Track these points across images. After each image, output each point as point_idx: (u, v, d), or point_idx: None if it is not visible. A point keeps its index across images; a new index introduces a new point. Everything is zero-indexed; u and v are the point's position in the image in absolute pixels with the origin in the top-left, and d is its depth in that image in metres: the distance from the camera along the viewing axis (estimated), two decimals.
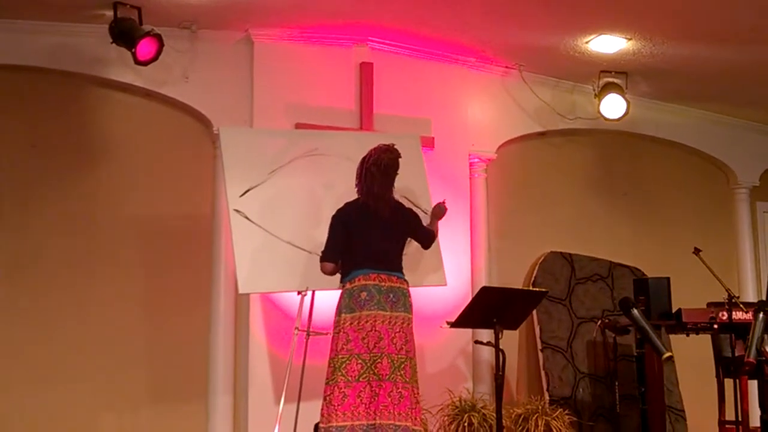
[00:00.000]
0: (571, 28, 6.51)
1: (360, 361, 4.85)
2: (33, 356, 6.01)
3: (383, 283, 4.98)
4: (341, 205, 5.24)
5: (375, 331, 4.89)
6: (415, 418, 4.95)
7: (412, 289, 6.21)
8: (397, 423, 4.85)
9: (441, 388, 6.61)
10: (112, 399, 6.18)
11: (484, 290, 5.40)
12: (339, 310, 5.01)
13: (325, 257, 5.16)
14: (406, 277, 5.18)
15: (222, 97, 6.48)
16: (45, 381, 6.01)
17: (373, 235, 5.08)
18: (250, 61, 6.53)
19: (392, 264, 5.12)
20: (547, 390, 7.06)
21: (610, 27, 6.47)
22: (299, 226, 5.69)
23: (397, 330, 4.95)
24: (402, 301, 5.03)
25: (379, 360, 4.86)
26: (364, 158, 5.22)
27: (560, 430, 6.44)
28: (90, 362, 6.13)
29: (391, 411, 4.85)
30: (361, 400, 4.81)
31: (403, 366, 4.93)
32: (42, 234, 6.13)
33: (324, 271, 5.17)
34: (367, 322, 4.89)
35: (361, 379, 4.84)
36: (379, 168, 5.14)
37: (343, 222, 5.13)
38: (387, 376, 4.86)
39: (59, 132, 6.27)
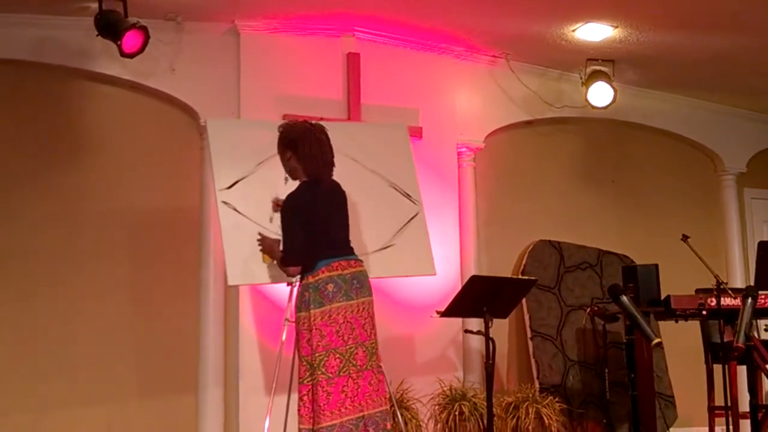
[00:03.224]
0: (558, 16, 6.51)
1: (338, 355, 4.66)
2: (21, 350, 6.00)
3: (346, 271, 4.74)
4: (285, 198, 4.88)
5: (347, 322, 4.69)
6: (387, 401, 4.90)
7: (402, 279, 6.25)
8: (382, 408, 4.76)
9: (431, 378, 6.62)
10: (101, 392, 6.16)
11: (474, 279, 5.41)
12: (305, 305, 4.73)
13: (289, 260, 4.81)
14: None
15: (209, 89, 6.46)
16: (34, 375, 6.00)
17: (328, 218, 4.82)
18: (236, 52, 6.51)
19: (348, 247, 4.88)
20: (537, 378, 7.08)
21: (596, 15, 6.48)
22: None
23: (365, 316, 4.77)
24: (364, 285, 4.81)
25: (355, 351, 4.70)
26: (296, 135, 4.89)
27: (550, 417, 6.46)
28: (79, 355, 6.12)
29: (375, 399, 4.74)
30: (346, 395, 4.65)
31: (375, 351, 4.80)
32: (28, 228, 6.10)
33: (290, 275, 4.91)
34: (338, 314, 4.68)
35: (341, 374, 4.66)
36: (325, 135, 4.91)
37: (299, 213, 4.79)
38: (364, 366, 4.72)
39: (45, 125, 6.24)
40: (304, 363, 4.74)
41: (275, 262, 5.06)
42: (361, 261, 4.91)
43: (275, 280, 5.51)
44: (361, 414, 4.68)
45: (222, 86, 6.47)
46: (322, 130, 4.93)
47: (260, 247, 5.22)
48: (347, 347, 4.70)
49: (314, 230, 4.77)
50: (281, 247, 4.88)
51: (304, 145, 4.86)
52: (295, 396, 5.52)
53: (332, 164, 4.94)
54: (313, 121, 5.02)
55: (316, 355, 4.66)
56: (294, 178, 4.96)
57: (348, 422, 4.64)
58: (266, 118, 6.33)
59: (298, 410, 4.75)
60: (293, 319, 5.48)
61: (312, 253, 4.76)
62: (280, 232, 4.99)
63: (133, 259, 6.36)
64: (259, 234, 5.24)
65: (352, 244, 4.93)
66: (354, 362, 4.70)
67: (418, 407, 6.43)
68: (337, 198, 4.95)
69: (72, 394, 6.09)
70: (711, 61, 7.33)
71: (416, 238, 6.01)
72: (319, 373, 4.64)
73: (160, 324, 6.35)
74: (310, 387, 4.71)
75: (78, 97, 6.36)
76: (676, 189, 8.57)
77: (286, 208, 4.84)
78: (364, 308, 4.79)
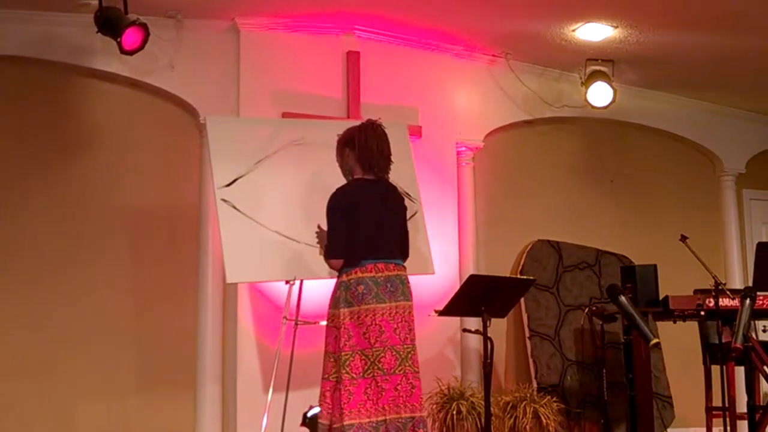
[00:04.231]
0: (558, 15, 6.51)
1: (363, 357, 4.66)
2: (20, 346, 5.99)
3: (380, 274, 4.74)
4: (334, 191, 4.92)
5: (375, 324, 4.67)
6: (423, 407, 4.85)
7: None
8: (412, 415, 4.70)
9: (429, 377, 6.61)
10: (100, 388, 6.17)
11: (472, 278, 5.40)
12: (336, 303, 4.78)
13: (332, 253, 4.85)
14: (405, 263, 4.95)
15: (208, 87, 6.46)
16: (33, 370, 6.00)
17: (371, 220, 4.81)
18: (236, 50, 6.50)
19: (391, 251, 4.86)
20: (535, 377, 7.08)
21: (596, 15, 6.48)
22: (287, 215, 5.67)
23: (399, 320, 4.74)
24: (401, 289, 4.79)
25: (382, 354, 4.67)
26: (352, 134, 4.95)
27: (548, 417, 6.46)
28: (77, 351, 6.12)
29: (399, 404, 4.68)
30: (368, 397, 4.64)
31: (410, 356, 4.76)
32: (28, 224, 6.10)
33: (333, 267, 4.90)
34: (366, 316, 4.67)
35: (365, 376, 4.66)
36: (383, 132, 4.95)
37: (343, 209, 4.82)
38: (392, 370, 4.68)
39: (44, 122, 6.24)
40: (331, 359, 4.76)
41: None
42: (404, 267, 4.90)
43: (273, 278, 5.52)
44: (383, 418, 4.65)
45: (222, 84, 6.47)
46: (379, 126, 4.96)
47: (317, 240, 5.27)
48: (373, 350, 4.68)
49: (355, 228, 4.79)
50: (326, 241, 4.91)
51: (361, 138, 4.90)
52: (292, 394, 5.56)
53: (389, 159, 4.96)
54: (379, 125, 5.01)
55: (342, 354, 4.67)
56: (348, 177, 5.01)
57: (368, 424, 4.63)
58: (266, 116, 6.35)
59: (319, 404, 4.79)
60: (291, 318, 5.50)
61: (351, 251, 4.77)
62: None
63: (132, 256, 6.36)
64: (318, 227, 5.23)
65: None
66: (379, 365, 4.68)
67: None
68: (390, 202, 4.97)
69: (70, 390, 6.09)
70: (711, 62, 7.34)
71: (415, 237, 5.98)
72: (344, 372, 4.64)
73: (158, 321, 6.35)
74: (333, 384, 4.73)
75: (78, 93, 6.35)
76: (675, 189, 8.56)
77: (331, 203, 4.87)
78: (398, 312, 4.76)
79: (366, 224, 4.80)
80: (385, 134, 4.95)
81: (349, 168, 4.98)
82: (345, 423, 4.59)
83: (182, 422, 6.32)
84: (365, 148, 4.89)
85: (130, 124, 6.47)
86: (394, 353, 4.71)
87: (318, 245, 5.29)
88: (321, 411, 4.79)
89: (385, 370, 4.68)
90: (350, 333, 4.68)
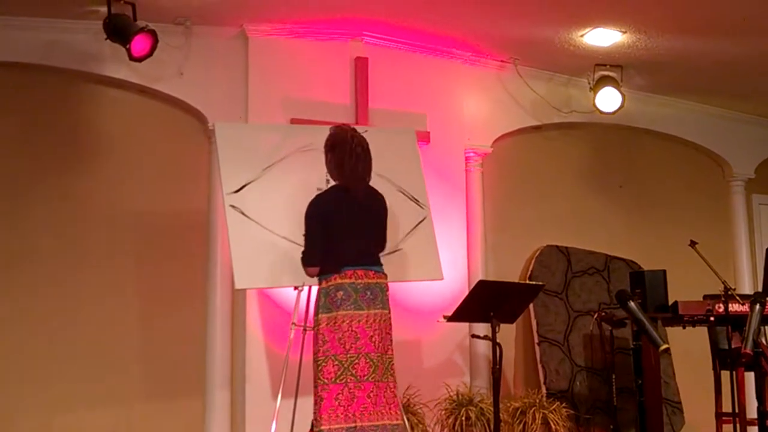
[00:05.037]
0: (566, 21, 6.51)
1: (336, 362, 4.68)
2: (28, 353, 6.00)
3: (359, 281, 4.77)
4: (312, 198, 4.98)
5: (352, 331, 4.71)
6: (400, 414, 4.89)
7: (409, 284, 6.24)
8: (390, 422, 4.75)
9: (438, 383, 6.62)
10: (108, 395, 6.17)
11: (481, 284, 5.40)
12: (317, 309, 4.82)
13: (308, 261, 4.91)
14: (384, 270, 4.97)
15: (217, 93, 6.47)
16: (40, 378, 6.00)
17: (350, 227, 4.85)
18: (245, 56, 6.51)
19: (370, 258, 4.89)
20: (544, 383, 7.07)
21: (604, 20, 6.47)
22: (295, 221, 5.67)
23: (375, 328, 4.78)
24: (380, 297, 4.83)
25: (356, 361, 4.70)
26: (336, 141, 4.97)
27: (557, 423, 6.45)
28: (86, 358, 6.12)
29: (372, 411, 4.71)
30: (339, 403, 4.65)
31: (389, 364, 4.83)
32: (36, 230, 6.11)
33: (309, 275, 4.96)
34: (343, 322, 4.71)
35: (337, 381, 4.68)
36: (363, 149, 4.96)
37: (321, 216, 4.85)
38: (366, 377, 4.72)
39: (53, 128, 6.25)
40: (314, 364, 4.78)
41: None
42: (384, 274, 4.92)
43: (282, 284, 5.52)
44: (353, 425, 4.67)
45: (230, 90, 6.48)
46: (360, 143, 4.97)
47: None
48: (348, 356, 4.71)
49: (334, 236, 4.82)
50: (303, 248, 4.92)
51: (339, 152, 4.94)
52: (300, 400, 5.56)
53: (363, 179, 4.97)
54: (359, 131, 5.04)
55: (318, 358, 4.72)
56: (333, 180, 5.06)
57: (338, 430, 4.64)
58: (274, 122, 6.36)
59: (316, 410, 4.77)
60: (300, 323, 5.51)
61: (330, 258, 4.80)
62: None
63: (140, 262, 6.37)
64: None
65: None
66: (353, 372, 4.70)
67: (425, 412, 6.42)
68: (371, 208, 4.99)
69: (78, 397, 6.09)
70: (719, 67, 7.32)
71: (424, 242, 6.00)
72: (317, 377, 4.69)
73: (167, 327, 6.36)
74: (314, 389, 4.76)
75: (86, 100, 6.37)
76: (684, 195, 8.56)
77: (309, 210, 4.90)
78: (375, 320, 4.79)
79: (344, 231, 4.84)
80: (364, 152, 4.96)
81: (329, 171, 5.06)
82: (318, 429, 4.64)
83: (191, 429, 6.32)
84: (340, 166, 4.94)
85: (138, 130, 6.49)
86: (368, 360, 4.75)
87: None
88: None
89: (359, 377, 4.71)
90: (325, 338, 4.71)
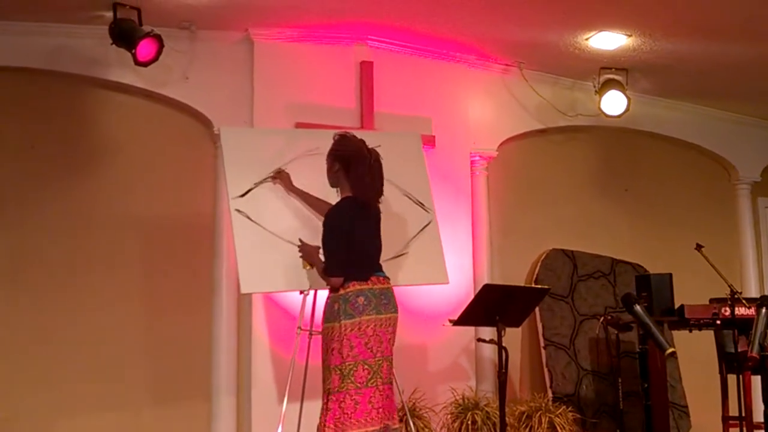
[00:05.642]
0: (571, 24, 6.51)
1: (366, 366, 4.76)
2: (33, 357, 6.00)
3: (375, 286, 4.85)
4: (330, 210, 4.97)
5: (376, 335, 4.79)
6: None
7: (415, 288, 6.25)
8: (396, 425, 4.87)
9: (444, 387, 6.61)
10: (113, 400, 6.17)
11: (487, 288, 5.39)
12: (335, 317, 4.78)
13: (332, 271, 4.83)
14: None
15: (222, 97, 6.47)
16: (46, 382, 6.00)
17: (367, 237, 4.94)
18: (250, 60, 6.52)
19: (378, 265, 4.99)
20: (550, 387, 7.07)
21: (610, 23, 6.47)
22: (300, 225, 5.68)
23: (390, 331, 4.89)
24: (392, 302, 4.92)
25: (381, 364, 4.80)
26: (351, 155, 4.95)
27: (564, 427, 6.44)
28: (91, 363, 6.12)
29: (391, 412, 4.84)
30: (372, 406, 4.74)
31: (391, 366, 4.90)
32: (42, 235, 6.12)
33: (334, 286, 4.85)
34: (368, 326, 4.77)
35: (369, 385, 4.75)
36: (380, 164, 4.99)
37: (346, 228, 4.85)
38: (387, 379, 4.83)
39: (59, 134, 6.26)
40: (337, 372, 4.76)
41: (313, 269, 5.12)
42: (389, 279, 5.00)
43: (287, 288, 5.53)
44: (384, 425, 4.77)
45: (235, 94, 6.48)
46: (377, 158, 4.99)
47: (300, 254, 5.25)
48: (375, 360, 4.80)
49: (353, 245, 4.85)
50: (324, 258, 4.90)
51: (357, 168, 4.93)
52: (306, 404, 5.55)
53: (381, 193, 5.01)
54: (370, 146, 5.04)
55: (347, 364, 4.75)
56: (333, 186, 5.06)
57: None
58: (279, 127, 6.36)
59: (325, 420, 4.76)
60: (306, 328, 5.51)
61: (352, 267, 4.84)
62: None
63: (146, 266, 6.37)
64: (300, 240, 5.27)
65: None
66: (381, 375, 4.80)
67: (431, 416, 6.42)
68: (377, 218, 5.06)
69: (84, 402, 6.09)
70: (725, 70, 7.31)
71: (429, 246, 6.00)
72: (349, 382, 4.73)
73: (172, 331, 6.36)
74: (342, 395, 4.74)
75: (92, 105, 6.38)
76: (690, 198, 8.55)
77: (332, 222, 4.90)
78: (390, 324, 4.89)
79: (361, 241, 4.89)
80: (380, 166, 5.00)
81: (334, 181, 5.05)
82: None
83: None
84: (360, 180, 4.93)
85: (144, 135, 6.49)
86: (388, 363, 4.87)
87: (301, 259, 5.27)
88: (327, 426, 4.75)
89: (384, 379, 4.83)
90: (352, 344, 4.75)
